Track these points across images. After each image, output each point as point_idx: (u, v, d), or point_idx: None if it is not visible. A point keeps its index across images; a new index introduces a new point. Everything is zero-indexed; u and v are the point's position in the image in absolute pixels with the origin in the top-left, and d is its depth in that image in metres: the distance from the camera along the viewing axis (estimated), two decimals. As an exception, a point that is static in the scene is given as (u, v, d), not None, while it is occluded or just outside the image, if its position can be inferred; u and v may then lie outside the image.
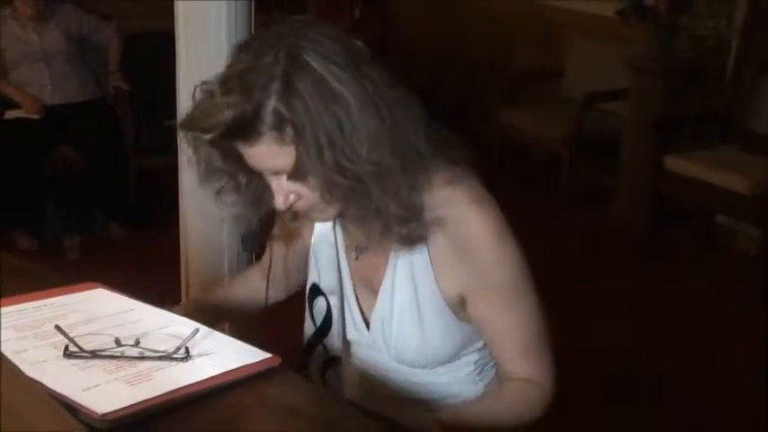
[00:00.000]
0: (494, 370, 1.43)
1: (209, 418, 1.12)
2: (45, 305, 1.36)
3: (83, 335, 1.22)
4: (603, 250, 4.02)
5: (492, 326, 1.32)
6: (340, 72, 1.13)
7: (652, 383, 2.94)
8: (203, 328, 1.28)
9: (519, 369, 1.33)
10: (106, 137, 3.99)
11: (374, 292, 1.36)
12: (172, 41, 2.02)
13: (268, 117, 1.12)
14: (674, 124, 3.97)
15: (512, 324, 1.31)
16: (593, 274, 3.72)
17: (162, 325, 1.31)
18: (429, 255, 1.29)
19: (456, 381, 1.39)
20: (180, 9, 1.98)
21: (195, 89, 1.18)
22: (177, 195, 2.09)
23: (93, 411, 1.04)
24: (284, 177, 1.19)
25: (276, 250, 1.49)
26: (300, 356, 1.49)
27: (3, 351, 1.13)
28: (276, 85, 1.11)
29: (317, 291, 1.43)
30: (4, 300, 1.32)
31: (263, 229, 1.41)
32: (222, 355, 1.23)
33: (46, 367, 1.15)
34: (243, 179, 1.28)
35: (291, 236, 1.46)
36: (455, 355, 1.37)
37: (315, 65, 1.12)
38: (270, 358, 1.23)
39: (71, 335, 1.20)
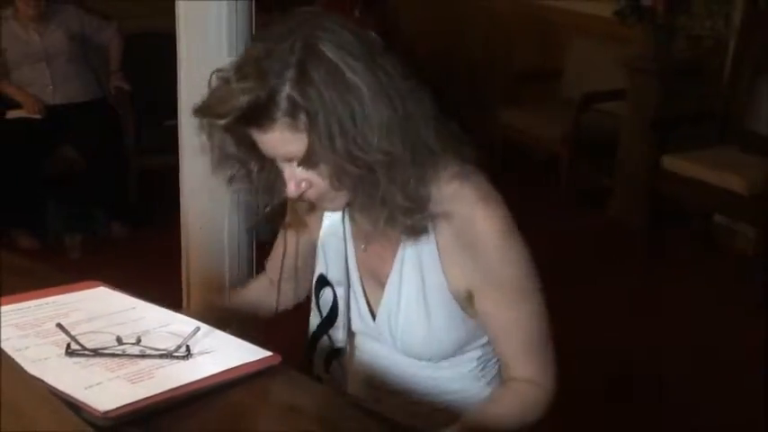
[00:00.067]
0: (496, 367, 1.43)
1: (209, 416, 1.12)
2: (46, 303, 1.36)
3: (84, 333, 1.23)
4: (602, 250, 4.02)
5: (495, 322, 1.33)
6: (354, 62, 1.14)
7: (652, 383, 2.93)
8: (204, 327, 1.28)
9: (521, 367, 1.34)
10: (107, 137, 3.99)
11: (381, 284, 1.37)
12: (172, 41, 2.02)
13: (282, 103, 1.13)
14: (671, 124, 3.96)
15: (514, 322, 1.32)
16: (593, 274, 3.72)
17: (163, 323, 1.31)
18: (437, 246, 1.30)
19: (459, 376, 1.40)
20: (181, 9, 1.98)
21: (211, 76, 1.19)
22: (178, 195, 2.10)
23: (94, 409, 1.05)
24: (296, 164, 1.20)
25: (288, 244, 1.48)
26: (305, 347, 1.49)
27: (4, 349, 1.13)
28: (291, 73, 1.12)
29: (323, 281, 1.44)
30: (5, 298, 1.32)
31: (272, 218, 1.40)
32: (223, 353, 1.23)
33: (47, 365, 1.15)
34: (255, 167, 1.29)
35: (302, 224, 1.46)
36: (459, 350, 1.37)
37: (330, 54, 1.13)
38: (271, 356, 1.23)
39: (73, 333, 1.20)
